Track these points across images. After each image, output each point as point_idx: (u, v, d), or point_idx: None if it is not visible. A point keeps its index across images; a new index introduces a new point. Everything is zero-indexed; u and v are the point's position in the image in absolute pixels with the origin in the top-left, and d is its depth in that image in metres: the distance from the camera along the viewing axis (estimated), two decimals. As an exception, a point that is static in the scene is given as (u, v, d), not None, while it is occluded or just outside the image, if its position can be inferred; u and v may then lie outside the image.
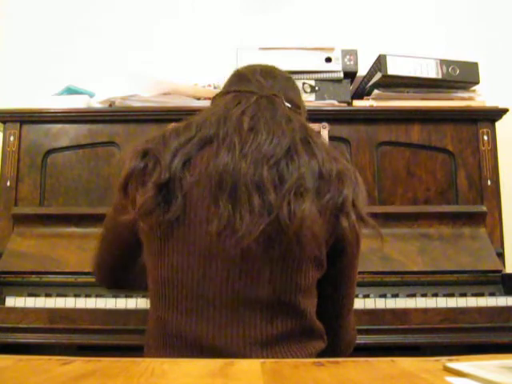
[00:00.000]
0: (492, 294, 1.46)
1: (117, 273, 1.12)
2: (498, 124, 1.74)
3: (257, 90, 0.99)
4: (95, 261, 1.14)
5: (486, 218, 1.64)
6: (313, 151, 0.89)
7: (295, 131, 0.91)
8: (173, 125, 1.01)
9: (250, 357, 0.84)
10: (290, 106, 1.01)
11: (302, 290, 0.87)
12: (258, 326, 0.85)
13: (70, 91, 1.85)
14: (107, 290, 1.34)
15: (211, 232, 0.83)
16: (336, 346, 1.00)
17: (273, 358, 0.85)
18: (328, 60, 1.80)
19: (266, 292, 0.85)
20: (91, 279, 1.50)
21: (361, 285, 1.49)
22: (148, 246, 0.92)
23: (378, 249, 1.56)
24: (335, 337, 0.99)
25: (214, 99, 1.06)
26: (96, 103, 1.83)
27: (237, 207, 0.82)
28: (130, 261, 1.08)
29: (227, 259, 0.84)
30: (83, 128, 1.74)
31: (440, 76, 1.75)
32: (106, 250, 1.09)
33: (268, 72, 1.06)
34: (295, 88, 1.09)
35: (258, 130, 0.89)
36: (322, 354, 0.94)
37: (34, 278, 1.53)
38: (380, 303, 1.39)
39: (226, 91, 1.05)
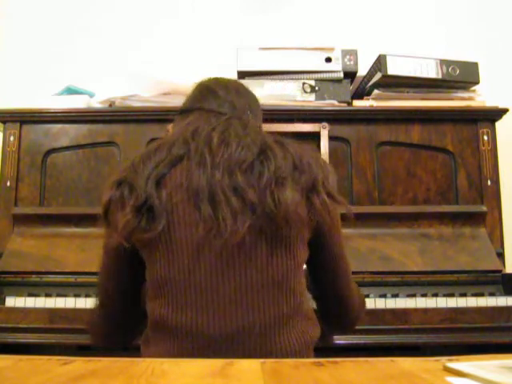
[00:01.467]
0: (492, 294, 1.46)
1: (128, 311, 1.04)
2: (498, 124, 1.74)
3: (229, 110, 1.03)
4: (99, 310, 1.04)
5: (485, 218, 1.64)
6: (286, 147, 0.95)
7: (266, 137, 0.96)
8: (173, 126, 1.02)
9: (250, 342, 0.86)
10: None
11: (293, 269, 0.91)
12: (256, 308, 0.87)
13: (70, 91, 1.85)
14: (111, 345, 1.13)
15: (198, 233, 0.86)
16: (346, 317, 1.08)
17: (273, 343, 0.87)
18: (328, 60, 1.80)
19: (260, 273, 0.87)
20: (91, 279, 1.50)
21: (361, 285, 1.48)
22: (144, 256, 0.94)
23: (378, 249, 1.56)
24: (341, 312, 1.06)
25: (182, 113, 1.08)
26: (96, 103, 1.83)
27: (217, 211, 0.86)
28: (138, 293, 1.04)
29: (217, 251, 0.87)
30: (83, 128, 1.74)
31: (440, 76, 1.75)
32: (112, 290, 1.01)
33: (238, 89, 1.10)
34: (260, 109, 1.14)
35: (228, 142, 0.93)
36: (335, 327, 1.07)
37: (34, 278, 1.53)
38: (380, 303, 1.39)
39: (196, 107, 1.07)
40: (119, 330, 1.06)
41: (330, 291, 1.04)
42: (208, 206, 0.86)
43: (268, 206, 0.85)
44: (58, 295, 1.43)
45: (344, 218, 1.00)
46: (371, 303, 1.39)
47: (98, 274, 1.03)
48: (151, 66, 2.02)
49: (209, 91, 1.09)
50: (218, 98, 1.06)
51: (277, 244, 0.89)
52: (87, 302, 1.39)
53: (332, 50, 1.80)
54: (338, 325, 1.12)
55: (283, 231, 0.88)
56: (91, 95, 1.87)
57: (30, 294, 1.42)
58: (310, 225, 0.93)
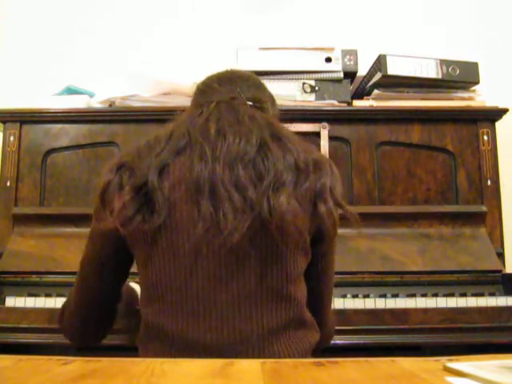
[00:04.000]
0: (492, 294, 1.46)
1: (107, 309, 1.03)
2: (498, 124, 1.74)
3: (214, 98, 1.00)
4: (73, 300, 1.01)
5: (485, 217, 1.64)
6: (286, 145, 0.91)
7: (262, 128, 0.92)
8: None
9: (248, 351, 0.84)
10: (251, 103, 1.00)
11: (292, 279, 0.89)
12: (254, 318, 0.85)
13: (70, 91, 1.85)
14: (76, 343, 1.15)
15: (197, 234, 0.84)
16: (322, 333, 1.02)
17: (271, 351, 0.86)
18: (328, 60, 1.80)
19: (257, 281, 0.86)
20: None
21: (361, 285, 1.49)
22: (137, 254, 0.92)
23: (378, 249, 1.56)
24: (318, 323, 1.00)
25: (177, 115, 1.05)
26: (96, 103, 1.83)
27: (218, 207, 0.83)
28: (117, 290, 1.03)
29: (214, 256, 0.85)
30: (83, 128, 1.74)
31: (440, 76, 1.75)
32: (90, 281, 0.99)
33: (224, 78, 1.07)
34: (256, 84, 1.09)
35: (225, 133, 0.90)
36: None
37: (34, 278, 1.53)
38: (380, 303, 1.39)
39: (190, 106, 1.07)
40: (92, 328, 1.03)
41: (313, 301, 0.99)
42: (208, 203, 0.84)
43: (263, 211, 0.83)
44: (58, 295, 1.43)
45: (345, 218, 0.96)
46: (371, 303, 1.39)
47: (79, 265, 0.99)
48: (151, 65, 2.02)
49: (197, 90, 1.09)
50: (204, 92, 1.05)
51: (274, 252, 0.86)
52: (87, 302, 1.39)
53: (332, 50, 1.80)
54: None
55: (279, 241, 0.86)
56: (91, 95, 1.87)
57: (30, 294, 1.42)
58: (310, 231, 0.91)
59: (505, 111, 1.72)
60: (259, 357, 0.84)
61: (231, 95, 1.00)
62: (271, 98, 1.11)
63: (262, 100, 1.05)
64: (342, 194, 0.93)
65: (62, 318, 1.05)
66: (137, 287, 1.21)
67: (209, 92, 1.04)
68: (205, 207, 0.84)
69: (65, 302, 1.06)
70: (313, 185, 0.88)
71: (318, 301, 1.00)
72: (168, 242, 0.86)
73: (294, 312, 0.89)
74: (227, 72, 1.11)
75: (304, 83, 1.78)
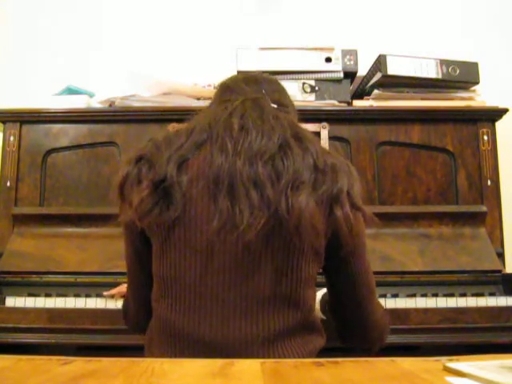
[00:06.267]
0: (492, 294, 1.46)
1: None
2: (498, 124, 1.74)
3: (240, 96, 1.01)
4: (131, 299, 1.04)
5: (485, 218, 1.64)
6: (306, 146, 0.91)
7: (284, 127, 0.92)
8: (173, 125, 1.01)
9: (253, 352, 0.84)
10: (275, 106, 1.02)
11: (303, 282, 0.88)
12: (260, 321, 0.85)
13: (70, 91, 1.85)
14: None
15: (212, 229, 0.84)
16: (367, 337, 1.02)
17: (276, 354, 0.86)
18: (328, 60, 1.80)
19: (268, 285, 0.85)
20: (91, 279, 1.51)
21: (361, 285, 1.48)
22: (153, 247, 0.92)
23: (378, 249, 1.56)
24: (363, 327, 1.00)
25: (200, 111, 1.06)
26: (96, 103, 1.83)
27: (235, 203, 0.83)
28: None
29: (228, 254, 0.85)
30: (83, 128, 1.74)
31: (440, 76, 1.75)
32: (134, 272, 1.02)
33: (250, 79, 1.08)
34: (280, 89, 1.11)
35: (248, 128, 0.90)
36: (355, 346, 1.04)
37: (34, 278, 1.53)
38: (380, 303, 1.39)
39: (212, 102, 1.08)
40: (147, 311, 1.01)
41: (351, 307, 0.99)
42: (226, 198, 0.84)
43: (281, 209, 0.82)
44: (58, 295, 1.43)
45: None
46: (371, 303, 1.38)
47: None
48: (151, 66, 2.02)
49: (222, 87, 1.09)
50: (230, 90, 1.06)
51: (289, 255, 0.86)
52: (87, 302, 1.39)
53: (332, 50, 1.80)
54: (357, 343, 1.05)
55: (294, 240, 0.85)
56: (91, 95, 1.87)
57: (30, 294, 1.42)
58: (326, 235, 0.89)
59: (505, 111, 1.72)
60: (263, 357, 0.84)
61: (257, 95, 1.01)
62: (293, 104, 1.12)
63: (285, 104, 1.07)
64: (359, 196, 0.91)
65: (127, 318, 1.08)
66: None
67: (235, 90, 1.04)
68: (222, 202, 0.84)
69: (124, 304, 1.09)
70: (330, 188, 0.87)
71: (356, 302, 0.98)
72: (181, 238, 0.86)
73: (302, 316, 0.89)
74: (253, 74, 1.13)
75: (304, 83, 1.78)
